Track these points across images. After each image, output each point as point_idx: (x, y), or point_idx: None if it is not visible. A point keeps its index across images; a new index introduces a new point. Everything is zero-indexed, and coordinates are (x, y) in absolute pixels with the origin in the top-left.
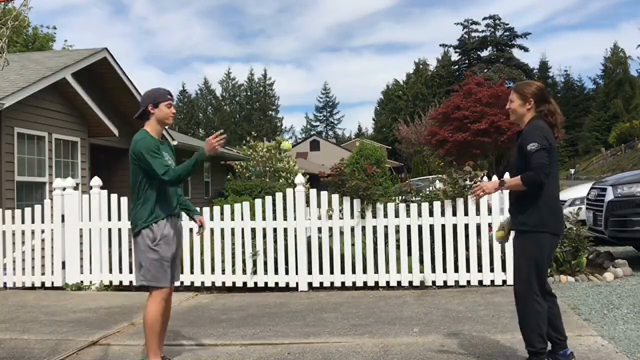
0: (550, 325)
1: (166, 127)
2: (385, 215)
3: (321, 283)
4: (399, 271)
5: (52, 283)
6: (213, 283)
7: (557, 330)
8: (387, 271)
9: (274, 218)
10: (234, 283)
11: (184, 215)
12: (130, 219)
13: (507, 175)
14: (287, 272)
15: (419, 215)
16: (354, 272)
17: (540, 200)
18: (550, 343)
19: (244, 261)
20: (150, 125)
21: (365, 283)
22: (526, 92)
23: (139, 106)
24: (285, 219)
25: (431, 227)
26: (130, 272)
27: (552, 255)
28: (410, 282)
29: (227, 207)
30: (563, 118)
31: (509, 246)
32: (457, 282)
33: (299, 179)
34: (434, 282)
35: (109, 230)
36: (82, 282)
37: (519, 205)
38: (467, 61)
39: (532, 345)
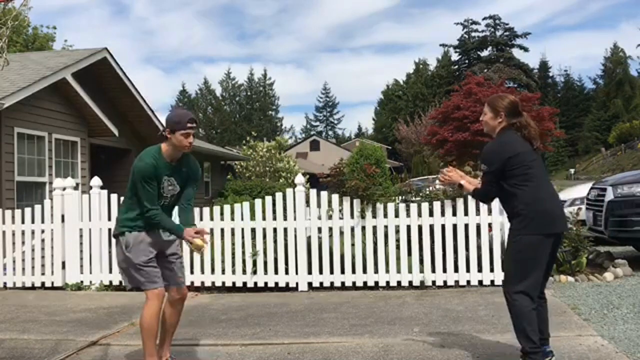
0: None
1: (181, 152)
2: (385, 215)
3: (321, 283)
4: (399, 271)
5: (52, 283)
6: (213, 283)
7: (538, 329)
8: (387, 271)
9: (274, 218)
10: (234, 283)
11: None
12: (116, 221)
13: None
14: (287, 272)
15: (419, 215)
16: (354, 272)
17: (520, 205)
18: None
19: (244, 261)
20: (165, 146)
21: (365, 283)
22: (498, 106)
23: (140, 105)
24: (285, 219)
25: (431, 227)
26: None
27: (545, 256)
28: (410, 282)
29: (227, 207)
30: (537, 130)
31: None
32: (457, 282)
33: (299, 179)
34: (434, 282)
35: (109, 230)
36: (82, 282)
37: (506, 208)
38: (467, 61)
39: (522, 346)
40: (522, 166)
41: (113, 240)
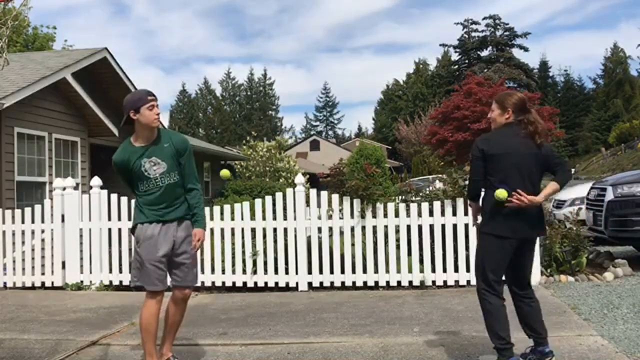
0: (525, 324)
1: (155, 128)
2: (385, 215)
3: (321, 283)
4: (399, 271)
5: (52, 283)
6: (213, 283)
7: (531, 329)
8: (387, 271)
9: (274, 218)
10: (234, 283)
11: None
12: None
13: None
14: (287, 272)
15: (419, 215)
16: (354, 272)
17: (486, 205)
18: (532, 340)
19: (244, 261)
20: (135, 133)
21: (365, 283)
22: (506, 103)
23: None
24: (285, 218)
25: (431, 227)
26: (130, 272)
27: (503, 257)
28: (410, 282)
29: (227, 207)
30: (544, 126)
31: None
32: (457, 282)
33: (299, 178)
34: (434, 282)
35: (109, 230)
36: (82, 282)
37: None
38: (467, 61)
39: (492, 342)
40: (498, 167)
41: (114, 241)
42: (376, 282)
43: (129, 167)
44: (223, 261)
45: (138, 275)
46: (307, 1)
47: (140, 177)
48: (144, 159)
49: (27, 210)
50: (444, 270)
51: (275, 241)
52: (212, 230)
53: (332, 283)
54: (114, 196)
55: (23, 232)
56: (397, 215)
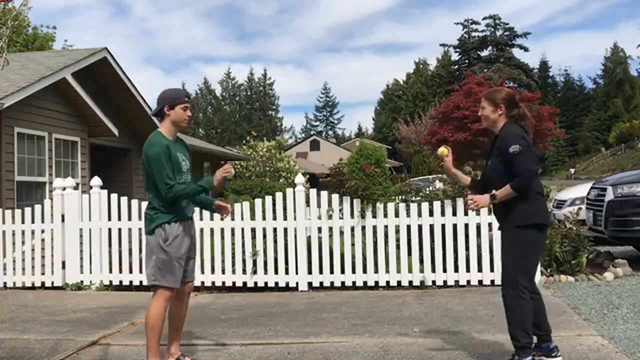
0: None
1: (182, 128)
2: (385, 215)
3: (321, 283)
4: (399, 271)
5: (52, 283)
6: (213, 283)
7: (536, 326)
8: (387, 271)
9: (274, 218)
10: (234, 283)
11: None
12: (144, 217)
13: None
14: (287, 272)
15: (419, 215)
16: (354, 272)
17: (523, 198)
18: (535, 337)
19: (244, 261)
20: (164, 126)
21: (365, 283)
22: (497, 99)
23: (140, 105)
24: (285, 218)
25: (431, 227)
26: (130, 272)
27: (540, 249)
28: (410, 282)
29: None
30: (533, 122)
31: None
32: (457, 282)
33: (299, 178)
34: (434, 282)
35: (109, 230)
36: (82, 282)
37: (505, 204)
38: (467, 61)
39: (517, 340)
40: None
41: (114, 241)
42: (376, 282)
43: (170, 154)
44: (223, 261)
45: (158, 274)
46: (307, 1)
47: (179, 168)
48: (178, 153)
49: (27, 210)
50: (444, 270)
51: (275, 241)
52: (212, 230)
53: (332, 283)
54: (114, 196)
55: (23, 232)
56: (397, 215)
